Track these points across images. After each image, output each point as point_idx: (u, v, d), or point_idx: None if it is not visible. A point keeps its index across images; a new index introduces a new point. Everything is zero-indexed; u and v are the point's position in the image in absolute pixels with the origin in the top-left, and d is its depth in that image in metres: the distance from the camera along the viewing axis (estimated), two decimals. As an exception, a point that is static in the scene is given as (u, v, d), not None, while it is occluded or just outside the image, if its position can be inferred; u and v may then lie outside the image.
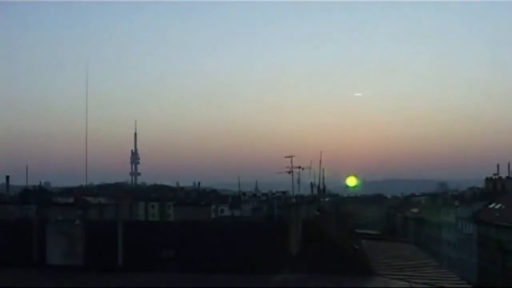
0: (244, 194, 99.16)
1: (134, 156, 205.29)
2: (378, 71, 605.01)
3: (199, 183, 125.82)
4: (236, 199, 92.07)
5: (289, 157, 25.50)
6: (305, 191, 33.09)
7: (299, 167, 26.00)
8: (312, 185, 30.33)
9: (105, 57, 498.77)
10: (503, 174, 71.48)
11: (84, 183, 66.99)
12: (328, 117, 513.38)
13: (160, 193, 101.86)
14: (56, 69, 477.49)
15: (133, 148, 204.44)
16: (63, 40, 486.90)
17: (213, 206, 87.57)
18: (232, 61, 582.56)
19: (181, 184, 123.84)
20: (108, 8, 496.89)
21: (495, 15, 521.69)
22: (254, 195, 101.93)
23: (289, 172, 25.96)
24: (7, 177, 77.24)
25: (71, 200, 63.17)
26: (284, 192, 70.90)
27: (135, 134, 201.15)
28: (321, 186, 30.02)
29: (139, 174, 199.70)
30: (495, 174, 71.78)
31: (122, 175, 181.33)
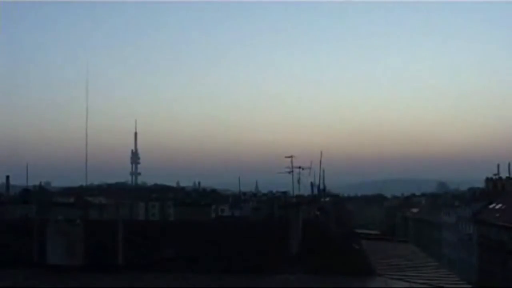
0: (244, 194, 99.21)
1: (135, 156, 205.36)
2: (378, 71, 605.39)
3: (199, 183, 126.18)
4: (236, 199, 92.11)
5: (289, 157, 25.55)
6: (305, 191, 33.12)
7: (299, 167, 26.05)
8: (312, 185, 30.36)
9: (106, 57, 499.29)
10: (503, 174, 71.59)
11: (84, 183, 67.18)
12: (329, 117, 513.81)
13: (160, 193, 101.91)
14: (56, 69, 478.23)
15: (133, 148, 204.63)
16: (63, 40, 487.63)
17: (213, 206, 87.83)
18: (232, 61, 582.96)
19: (181, 184, 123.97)
20: (108, 8, 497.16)
21: (494, 15, 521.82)
22: (254, 195, 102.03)
23: (289, 172, 26.00)
24: (7, 177, 77.36)
25: (71, 200, 63.33)
26: (284, 192, 70.97)
27: (135, 133, 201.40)
28: (321, 186, 30.07)
29: (139, 174, 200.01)
30: (495, 174, 71.88)
31: (122, 175, 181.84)
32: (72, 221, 17.25)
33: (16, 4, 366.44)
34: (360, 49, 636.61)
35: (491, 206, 60.53)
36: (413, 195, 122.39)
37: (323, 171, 27.48)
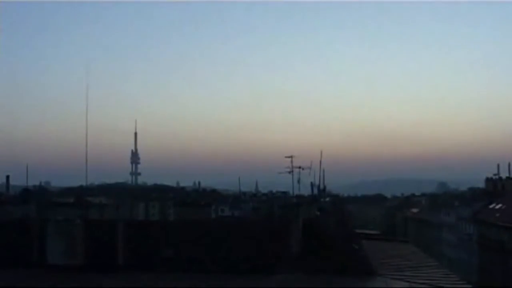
0: (244, 194, 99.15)
1: (135, 156, 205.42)
2: (378, 71, 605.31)
3: (199, 183, 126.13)
4: (236, 199, 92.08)
5: (289, 157, 25.59)
6: (306, 191, 33.08)
7: (299, 167, 26.05)
8: (312, 185, 30.29)
9: (106, 57, 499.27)
10: (503, 174, 71.49)
11: (84, 183, 67.23)
12: (329, 117, 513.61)
13: (160, 193, 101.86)
14: (56, 69, 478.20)
15: (133, 148, 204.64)
16: (64, 40, 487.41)
17: (213, 206, 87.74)
18: (232, 60, 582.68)
19: (181, 184, 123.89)
20: (108, 8, 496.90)
21: (495, 16, 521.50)
22: (254, 195, 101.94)
23: (289, 172, 26.02)
24: (7, 177, 77.33)
25: (71, 200, 63.26)
26: (284, 192, 71.02)
27: (135, 134, 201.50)
28: (322, 186, 29.96)
29: (139, 174, 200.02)
30: (495, 174, 71.81)
31: (122, 175, 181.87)
32: (72, 221, 17.25)
33: (16, 4, 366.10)
34: (361, 49, 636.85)
35: (491, 206, 60.53)
36: (413, 195, 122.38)
37: (323, 171, 27.41)
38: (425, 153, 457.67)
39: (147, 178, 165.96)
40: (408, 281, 15.09)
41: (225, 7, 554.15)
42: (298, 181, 27.18)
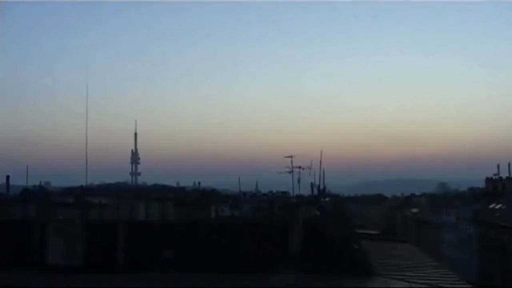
0: (244, 194, 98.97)
1: (135, 156, 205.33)
2: (378, 72, 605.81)
3: (199, 183, 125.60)
4: (236, 199, 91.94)
5: (289, 157, 25.61)
6: (305, 191, 33.08)
7: (299, 167, 26.08)
8: (312, 185, 30.30)
9: (106, 57, 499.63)
10: (503, 174, 71.26)
11: (84, 183, 67.02)
12: (329, 117, 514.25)
13: (160, 193, 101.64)
14: (56, 69, 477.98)
15: (133, 148, 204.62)
16: (63, 40, 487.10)
17: (213, 206, 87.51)
18: (232, 61, 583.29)
19: (181, 184, 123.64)
20: (108, 9, 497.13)
21: (494, 14, 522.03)
22: (254, 195, 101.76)
23: (289, 172, 26.06)
24: (7, 177, 77.11)
25: (71, 200, 63.15)
26: (284, 192, 70.89)
27: (135, 134, 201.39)
28: (321, 186, 29.97)
29: (139, 174, 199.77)
30: (495, 174, 71.55)
31: (122, 175, 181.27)
32: (72, 221, 17.26)
33: (16, 4, 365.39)
34: (361, 49, 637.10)
35: (491, 206, 60.51)
36: (413, 195, 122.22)
37: (323, 171, 27.40)
38: (425, 153, 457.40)
39: (147, 178, 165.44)
40: (408, 281, 15.10)
41: (226, 8, 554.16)
42: (298, 181, 27.23)
